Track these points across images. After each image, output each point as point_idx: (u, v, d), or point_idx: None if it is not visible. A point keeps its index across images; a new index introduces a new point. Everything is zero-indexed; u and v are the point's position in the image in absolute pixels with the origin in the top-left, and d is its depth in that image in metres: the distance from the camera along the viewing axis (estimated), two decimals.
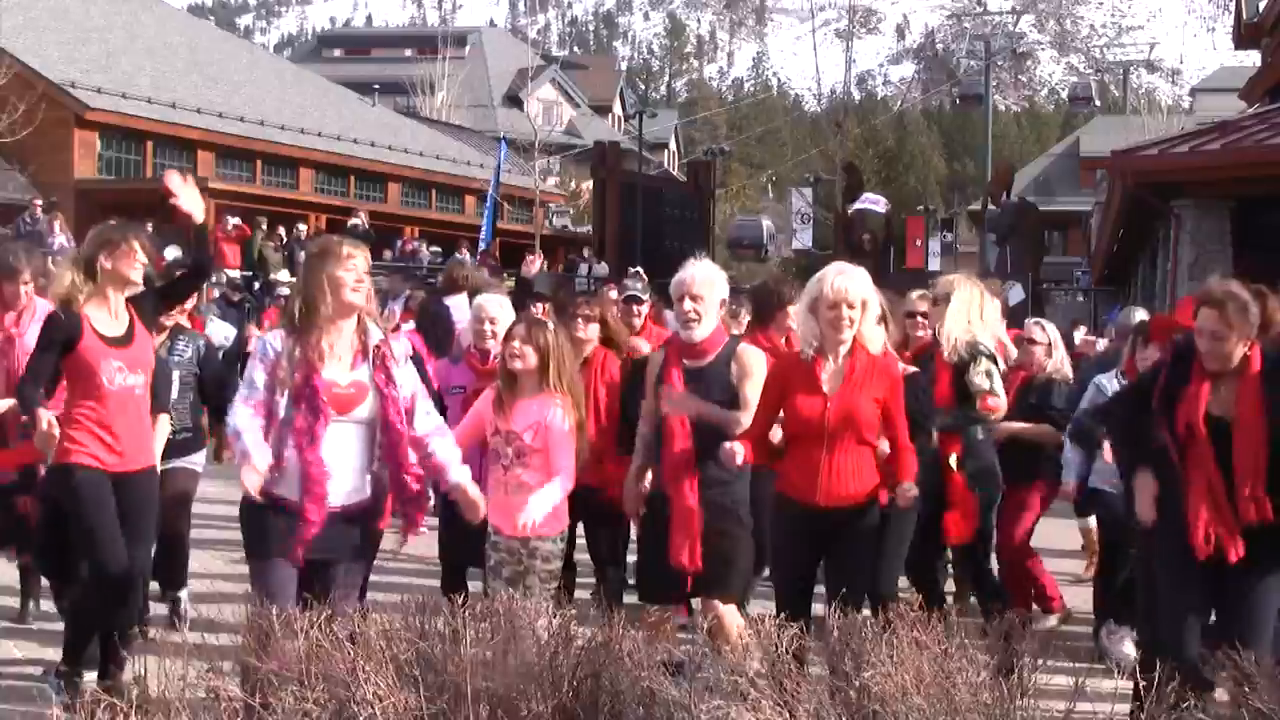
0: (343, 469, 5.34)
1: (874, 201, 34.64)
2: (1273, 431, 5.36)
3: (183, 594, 7.94)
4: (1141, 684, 4.18)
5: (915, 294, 8.12)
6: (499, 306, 7.66)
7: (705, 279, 6.25)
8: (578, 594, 7.68)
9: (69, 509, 6.33)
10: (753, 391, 6.10)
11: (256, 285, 26.90)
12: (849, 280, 5.85)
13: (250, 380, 5.38)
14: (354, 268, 5.37)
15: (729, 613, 6.12)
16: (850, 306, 5.81)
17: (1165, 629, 5.47)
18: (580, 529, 7.36)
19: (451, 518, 6.72)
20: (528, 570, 6.19)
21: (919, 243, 43.91)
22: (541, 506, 6.07)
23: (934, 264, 44.28)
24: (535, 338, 6.27)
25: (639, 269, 22.30)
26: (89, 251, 6.41)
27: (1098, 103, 56.16)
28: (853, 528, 5.88)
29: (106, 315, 6.33)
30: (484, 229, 33.77)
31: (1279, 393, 5.38)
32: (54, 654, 7.32)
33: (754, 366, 6.21)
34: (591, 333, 7.65)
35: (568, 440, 6.22)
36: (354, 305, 5.38)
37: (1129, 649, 7.25)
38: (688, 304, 6.20)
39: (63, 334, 6.23)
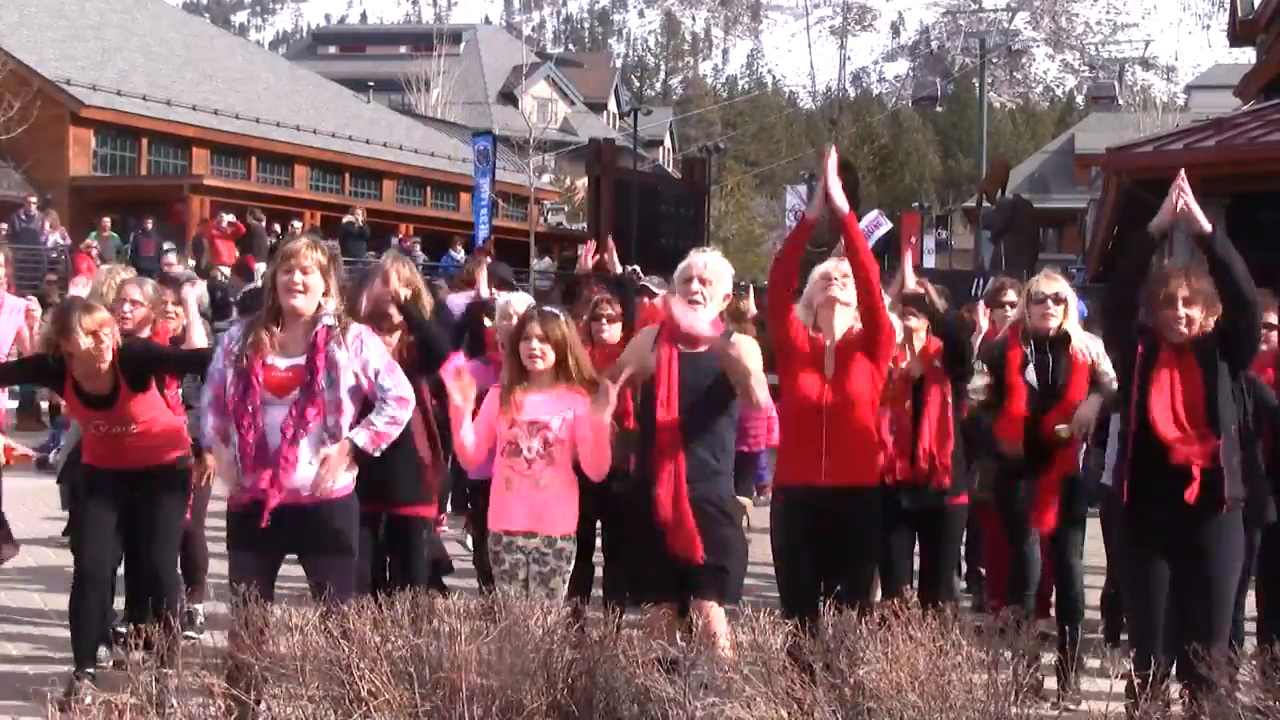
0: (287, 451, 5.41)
1: (876, 225, 34.44)
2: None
3: (198, 607, 7.71)
4: (1136, 681, 4.19)
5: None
6: (525, 304, 7.65)
7: (716, 268, 6.14)
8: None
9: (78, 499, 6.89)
10: (754, 362, 5.94)
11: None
12: (839, 261, 5.99)
13: (210, 375, 5.56)
14: (293, 269, 5.41)
15: (719, 618, 5.84)
16: (844, 275, 5.93)
17: (1137, 635, 5.50)
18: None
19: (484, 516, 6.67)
20: (554, 571, 6.16)
21: (914, 239, 43.97)
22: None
23: (929, 261, 44.39)
24: (551, 333, 6.17)
25: (635, 267, 22.22)
26: (50, 334, 6.57)
27: (1120, 101, 56.22)
28: (856, 512, 5.87)
29: (91, 374, 6.49)
30: (482, 226, 33.65)
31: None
32: (50, 653, 7.33)
33: (750, 357, 6.00)
34: (614, 333, 7.59)
35: (602, 432, 6.10)
36: (295, 309, 5.43)
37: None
38: (695, 285, 6.04)
39: (44, 377, 6.82)
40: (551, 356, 6.15)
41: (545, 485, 6.13)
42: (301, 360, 5.43)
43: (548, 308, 6.59)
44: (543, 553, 6.16)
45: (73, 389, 6.54)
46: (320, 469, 5.38)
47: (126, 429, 6.55)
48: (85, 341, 6.34)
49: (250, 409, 5.40)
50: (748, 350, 6.05)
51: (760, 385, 5.91)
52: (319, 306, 5.48)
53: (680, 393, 5.92)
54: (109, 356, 6.44)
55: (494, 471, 6.27)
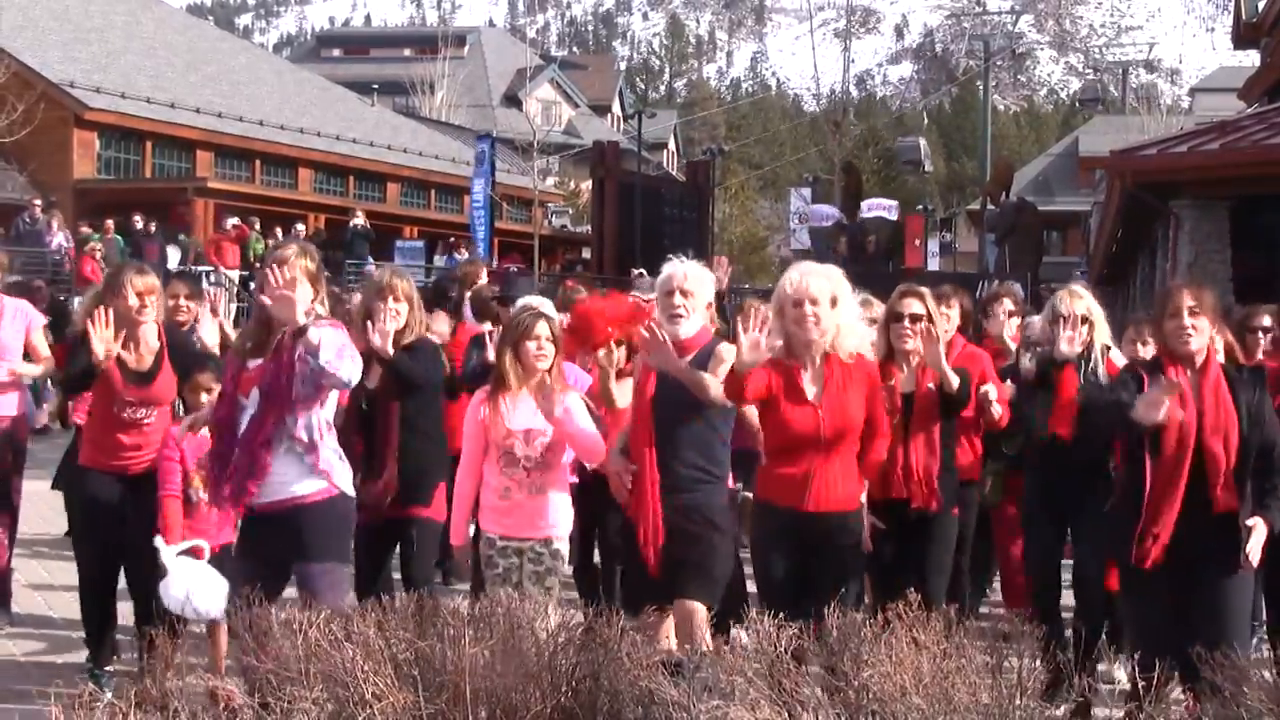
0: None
1: (886, 208, 34.39)
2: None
3: None
4: (1140, 684, 4.18)
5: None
6: (540, 307, 7.64)
7: (696, 276, 6.03)
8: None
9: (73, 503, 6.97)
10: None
11: (252, 285, 26.90)
12: (811, 277, 5.72)
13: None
14: (271, 271, 5.34)
15: (697, 612, 5.82)
16: (814, 303, 5.66)
17: (1139, 643, 5.46)
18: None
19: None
20: (550, 571, 6.16)
21: (918, 242, 43.96)
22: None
23: (933, 264, 44.37)
24: (555, 332, 6.23)
25: (642, 270, 22.24)
26: (100, 292, 6.74)
27: (1116, 92, 56.29)
28: (838, 538, 5.78)
29: (130, 351, 6.57)
30: (481, 230, 33.51)
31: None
32: (54, 656, 7.34)
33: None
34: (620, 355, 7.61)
35: (590, 422, 6.16)
36: (279, 314, 5.34)
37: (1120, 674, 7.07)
38: (677, 299, 5.96)
39: (81, 361, 6.57)
40: (553, 356, 6.18)
41: (543, 491, 6.13)
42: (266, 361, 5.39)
43: (542, 311, 6.61)
44: (538, 552, 6.15)
45: (116, 363, 6.55)
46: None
47: (149, 413, 6.59)
48: (132, 300, 6.47)
49: (229, 414, 5.42)
50: (729, 356, 6.01)
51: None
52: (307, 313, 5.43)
53: (658, 407, 5.89)
54: (149, 321, 6.56)
55: (486, 478, 6.23)
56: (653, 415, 5.91)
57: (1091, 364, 6.83)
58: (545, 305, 7.86)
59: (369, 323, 6.29)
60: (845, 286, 5.83)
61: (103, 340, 6.37)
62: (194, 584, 6.04)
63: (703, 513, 5.89)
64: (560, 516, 6.24)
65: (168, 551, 6.13)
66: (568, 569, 6.49)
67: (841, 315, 5.76)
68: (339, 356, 5.20)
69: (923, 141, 47.48)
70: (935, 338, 6.25)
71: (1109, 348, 6.94)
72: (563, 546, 6.24)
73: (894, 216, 35.15)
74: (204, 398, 6.42)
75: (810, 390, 5.72)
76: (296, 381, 5.30)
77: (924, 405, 6.38)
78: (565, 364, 6.60)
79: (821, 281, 5.73)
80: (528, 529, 6.14)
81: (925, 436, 6.38)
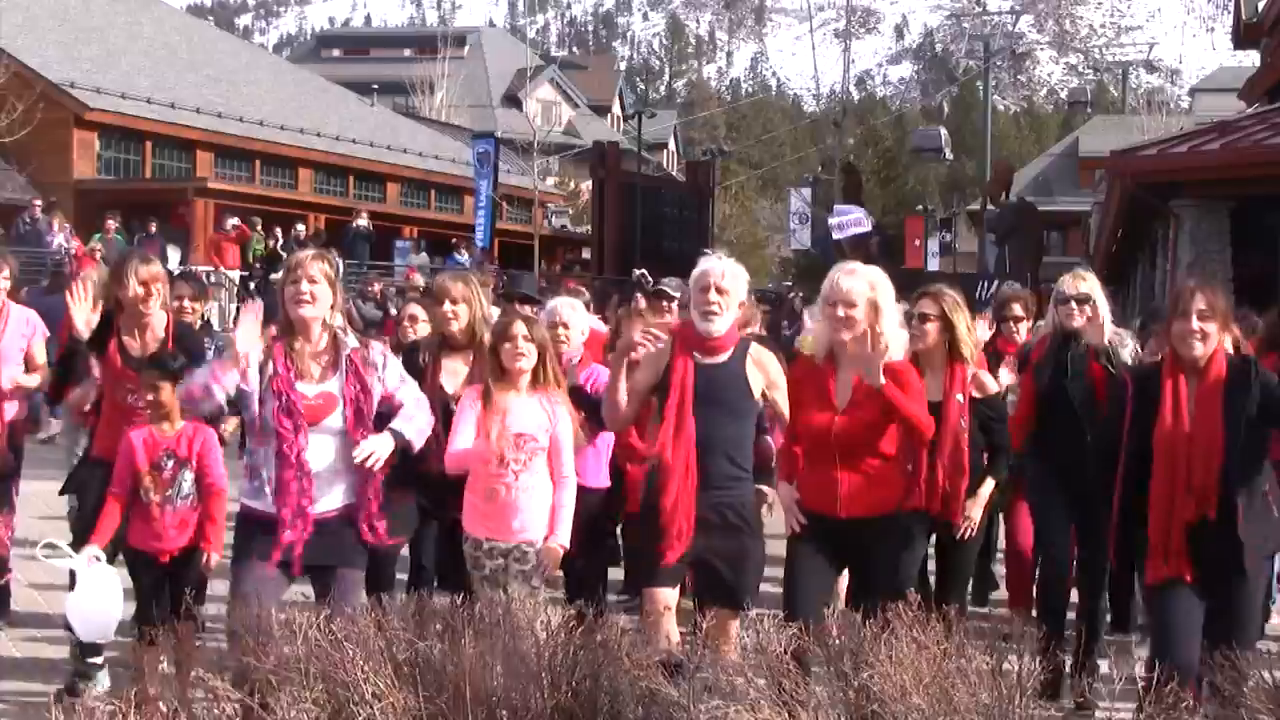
0: (320, 478, 5.37)
1: (857, 224, 34.19)
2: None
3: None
4: (1142, 684, 4.18)
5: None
6: (571, 310, 7.55)
7: (733, 273, 5.95)
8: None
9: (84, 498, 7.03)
10: (783, 399, 5.90)
11: (252, 285, 26.88)
12: (853, 280, 5.71)
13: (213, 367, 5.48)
14: (300, 279, 5.36)
15: (732, 627, 5.77)
16: (851, 306, 5.67)
17: (1161, 640, 5.43)
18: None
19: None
20: (536, 569, 6.12)
21: (918, 243, 44.01)
22: (566, 521, 6.12)
23: (933, 264, 44.41)
24: (535, 334, 6.18)
25: (643, 270, 22.24)
26: (108, 281, 6.91)
27: (1116, 92, 56.17)
28: (877, 542, 5.75)
29: (134, 338, 6.74)
30: (482, 229, 33.58)
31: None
32: (55, 656, 7.34)
33: (776, 372, 5.96)
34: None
35: (573, 439, 6.17)
36: (302, 318, 5.38)
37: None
38: (712, 295, 5.87)
39: (90, 344, 6.81)
40: (535, 358, 6.14)
41: (530, 493, 6.10)
42: (329, 387, 5.40)
43: (528, 314, 6.63)
44: (524, 551, 6.12)
45: (116, 348, 6.69)
46: (367, 460, 5.36)
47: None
48: (136, 289, 6.61)
49: (297, 435, 5.34)
50: (773, 366, 6.00)
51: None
52: (328, 322, 5.44)
53: (696, 403, 5.86)
54: (155, 311, 6.70)
55: (473, 479, 6.19)
56: (695, 414, 5.88)
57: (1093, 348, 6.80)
58: (576, 307, 7.76)
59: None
60: (887, 289, 5.78)
61: (81, 310, 6.65)
62: (85, 605, 5.99)
63: (738, 510, 5.89)
64: (545, 518, 6.22)
65: (78, 559, 6.04)
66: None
67: (884, 321, 5.71)
68: (417, 407, 5.61)
69: (943, 130, 47.46)
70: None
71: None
72: (553, 547, 6.22)
73: (868, 227, 34.97)
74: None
75: (837, 394, 5.72)
76: (374, 399, 5.47)
77: (951, 414, 6.32)
78: (592, 365, 6.64)
79: (860, 284, 5.72)
80: (513, 530, 6.10)
81: (953, 447, 6.32)
